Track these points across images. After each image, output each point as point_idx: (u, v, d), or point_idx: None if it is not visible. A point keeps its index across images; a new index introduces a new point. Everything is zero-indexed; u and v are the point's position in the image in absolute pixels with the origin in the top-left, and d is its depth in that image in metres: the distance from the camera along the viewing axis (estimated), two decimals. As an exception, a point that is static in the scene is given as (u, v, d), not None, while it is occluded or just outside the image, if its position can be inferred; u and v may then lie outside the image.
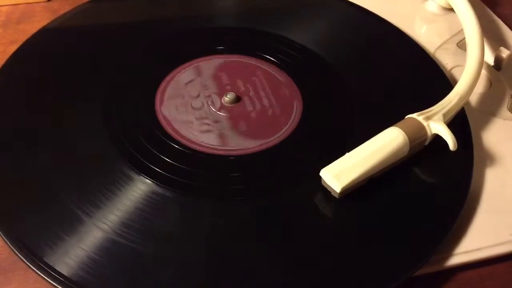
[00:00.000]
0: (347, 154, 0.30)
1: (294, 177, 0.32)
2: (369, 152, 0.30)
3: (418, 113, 0.32)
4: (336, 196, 0.30)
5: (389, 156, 0.30)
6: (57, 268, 0.26)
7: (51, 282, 0.26)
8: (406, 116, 0.32)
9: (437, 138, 0.32)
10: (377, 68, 0.39)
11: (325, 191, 0.30)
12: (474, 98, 0.38)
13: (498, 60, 0.40)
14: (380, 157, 0.30)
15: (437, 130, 0.31)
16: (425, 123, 0.31)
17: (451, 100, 0.33)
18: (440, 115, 0.32)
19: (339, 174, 0.29)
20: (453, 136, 0.31)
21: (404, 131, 0.31)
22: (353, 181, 0.29)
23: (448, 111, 0.33)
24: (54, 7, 0.44)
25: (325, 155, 0.30)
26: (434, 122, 0.31)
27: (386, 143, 0.30)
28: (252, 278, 0.27)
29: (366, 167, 0.30)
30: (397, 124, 0.32)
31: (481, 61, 0.36)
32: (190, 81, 0.36)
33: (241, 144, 0.33)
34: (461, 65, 0.39)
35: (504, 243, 0.30)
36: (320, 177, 0.30)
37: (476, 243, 0.30)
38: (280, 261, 0.28)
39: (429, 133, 0.32)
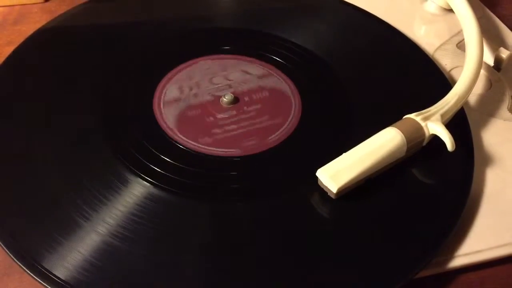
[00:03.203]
0: (344, 154, 0.30)
1: (292, 177, 0.31)
2: (366, 152, 0.30)
3: (416, 113, 0.32)
4: (333, 196, 0.29)
5: (386, 156, 0.30)
6: (54, 272, 0.26)
7: (49, 286, 0.26)
8: (404, 117, 0.32)
9: (438, 139, 0.31)
10: (376, 69, 0.39)
11: (322, 191, 0.30)
12: (474, 99, 0.38)
13: (498, 60, 0.40)
14: (377, 158, 0.30)
15: (435, 130, 0.31)
16: (422, 124, 0.31)
17: (449, 100, 0.33)
18: (438, 116, 0.32)
19: (335, 174, 0.29)
20: (451, 137, 0.31)
21: (401, 131, 0.30)
22: (349, 182, 0.29)
23: (446, 111, 0.32)
24: (51, 8, 0.44)
25: (323, 156, 0.30)
26: (432, 123, 0.31)
27: (383, 143, 0.30)
28: (251, 279, 0.27)
29: (362, 168, 0.29)
30: (395, 124, 0.31)
31: (480, 62, 0.35)
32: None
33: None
34: (461, 66, 0.38)
35: (505, 245, 0.30)
36: (317, 178, 0.30)
37: (477, 245, 0.30)
38: (278, 262, 0.27)
39: (427, 134, 0.31)
